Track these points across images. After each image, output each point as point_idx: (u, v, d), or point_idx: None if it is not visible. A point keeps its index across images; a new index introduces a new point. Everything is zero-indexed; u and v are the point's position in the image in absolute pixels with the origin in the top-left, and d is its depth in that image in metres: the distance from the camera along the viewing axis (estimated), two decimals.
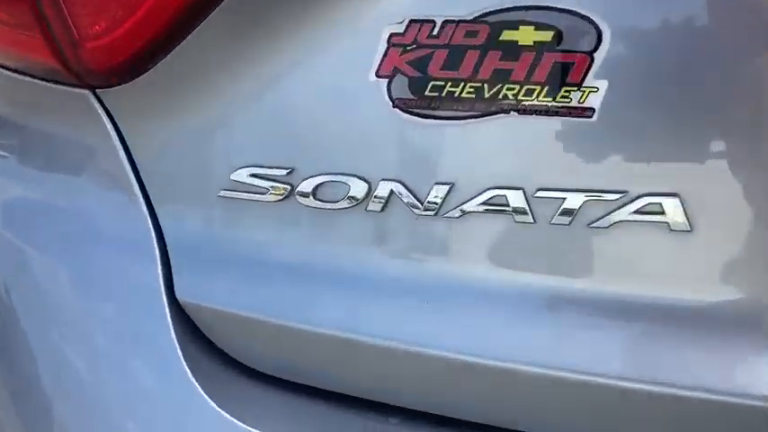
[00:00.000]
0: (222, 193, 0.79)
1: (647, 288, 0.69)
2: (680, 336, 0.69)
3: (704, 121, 0.63)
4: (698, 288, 0.68)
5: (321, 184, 0.74)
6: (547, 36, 0.64)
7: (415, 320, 0.75)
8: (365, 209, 0.74)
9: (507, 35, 0.65)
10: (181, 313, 0.84)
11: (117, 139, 0.82)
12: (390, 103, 0.69)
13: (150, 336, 0.84)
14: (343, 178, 0.73)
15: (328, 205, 0.75)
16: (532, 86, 0.65)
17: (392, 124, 0.69)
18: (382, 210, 0.73)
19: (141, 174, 0.84)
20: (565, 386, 0.69)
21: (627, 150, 0.66)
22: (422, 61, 0.67)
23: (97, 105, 0.80)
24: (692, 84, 0.63)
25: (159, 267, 0.85)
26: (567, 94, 0.65)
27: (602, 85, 0.64)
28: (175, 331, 0.83)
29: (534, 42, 0.64)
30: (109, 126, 0.81)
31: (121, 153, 0.83)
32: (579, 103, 0.65)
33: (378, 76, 0.68)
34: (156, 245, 0.85)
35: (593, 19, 0.63)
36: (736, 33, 0.62)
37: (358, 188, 0.73)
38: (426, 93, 0.68)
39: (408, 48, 0.67)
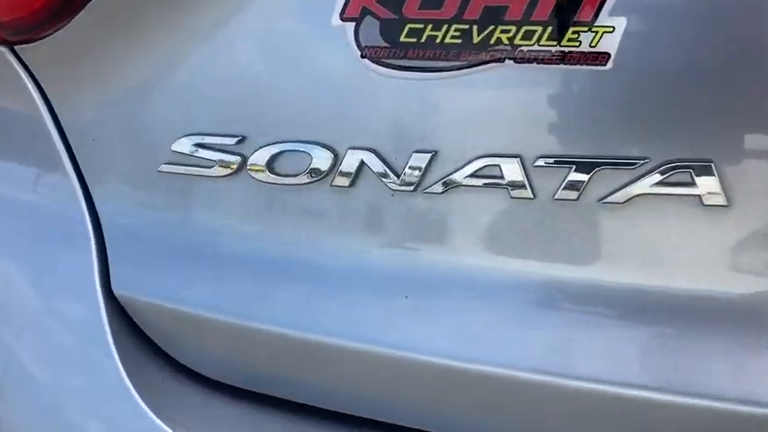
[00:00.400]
0: (162, 167, 0.65)
1: (674, 280, 0.54)
2: (711, 337, 0.54)
3: (747, 71, 0.48)
4: (736, 279, 0.53)
5: (277, 154, 0.61)
6: None
7: (392, 319, 0.60)
8: (330, 184, 0.60)
9: None
10: (118, 308, 0.69)
11: (44, 106, 0.68)
12: (358, 53, 0.55)
13: (84, 333, 0.70)
14: (304, 147, 0.59)
15: (287, 180, 0.61)
16: (532, 27, 0.52)
17: (361, 79, 0.56)
18: (351, 185, 0.59)
19: (73, 148, 0.69)
20: (574, 398, 0.55)
21: (649, 108, 0.51)
22: (393, 1, 0.52)
23: (16, 63, 0.66)
24: (733, 24, 0.48)
25: (95, 257, 0.70)
26: (575, 36, 0.51)
27: (620, 23, 0.50)
28: (111, 329, 0.69)
29: None
30: (32, 89, 0.67)
31: (49, 123, 0.69)
32: (591, 46, 0.51)
33: (342, 19, 0.55)
34: (91, 231, 0.71)
35: None
36: None
37: (321, 159, 0.59)
38: (402, 38, 0.54)
39: None
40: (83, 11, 0.60)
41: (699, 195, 0.53)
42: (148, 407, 0.66)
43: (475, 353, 0.58)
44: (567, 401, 0.56)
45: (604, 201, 0.54)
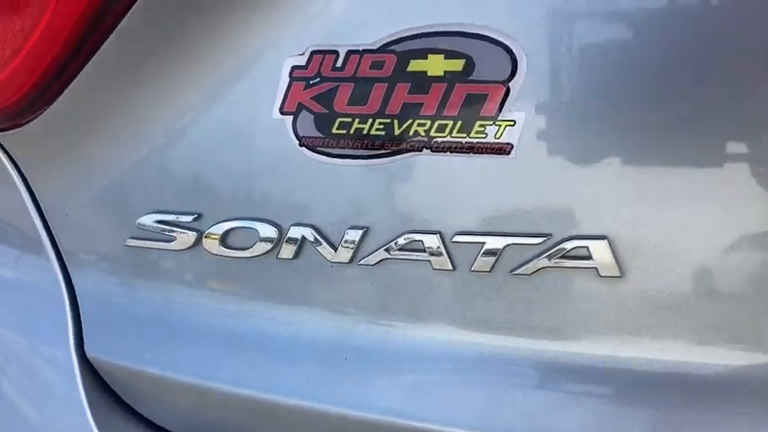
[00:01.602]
0: (129, 242, 0.69)
1: (577, 344, 0.58)
2: (619, 400, 0.58)
3: (634, 156, 0.53)
4: (632, 341, 0.57)
5: (229, 230, 0.65)
6: (457, 65, 0.55)
7: (331, 378, 0.64)
8: (276, 257, 0.63)
9: (415, 65, 0.55)
10: (90, 369, 0.73)
11: (22, 185, 0.72)
12: (297, 142, 0.59)
13: (59, 394, 0.74)
14: (252, 224, 0.64)
15: (238, 253, 0.65)
16: (445, 121, 0.56)
17: (300, 164, 0.60)
18: (294, 257, 0.64)
19: (52, 227, 0.74)
20: None
21: (549, 190, 0.56)
22: (327, 96, 0.58)
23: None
24: (619, 116, 0.53)
25: (70, 323, 0.74)
26: (481, 128, 0.55)
27: (520, 117, 0.54)
28: (84, 389, 0.72)
29: (445, 72, 0.55)
30: (12, 171, 0.71)
31: (29, 202, 0.73)
32: (495, 138, 0.55)
33: (282, 112, 0.59)
34: (67, 301, 0.74)
35: (507, 44, 0.53)
36: (667, 55, 0.52)
37: (268, 234, 0.63)
38: (334, 130, 0.58)
39: (312, 81, 0.58)
40: (55, 102, 0.65)
41: (595, 267, 0.57)
42: None
43: (407, 410, 0.62)
44: None
45: (514, 272, 0.59)
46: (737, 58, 0.51)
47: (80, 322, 0.74)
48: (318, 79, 0.58)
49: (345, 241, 0.62)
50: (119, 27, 0.59)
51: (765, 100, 0.51)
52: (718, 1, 0.50)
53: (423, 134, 0.57)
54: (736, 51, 0.50)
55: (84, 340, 0.74)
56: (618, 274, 0.56)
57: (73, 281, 0.74)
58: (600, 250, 0.56)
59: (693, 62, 0.51)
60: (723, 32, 0.50)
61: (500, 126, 0.55)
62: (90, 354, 0.73)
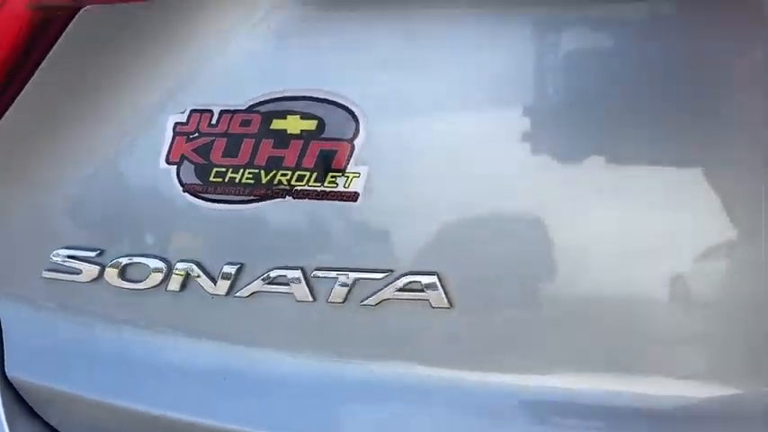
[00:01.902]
0: (45, 273, 0.77)
1: (420, 368, 0.67)
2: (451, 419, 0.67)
3: (459, 203, 0.63)
4: (464, 365, 0.66)
5: (127, 264, 0.73)
6: (311, 125, 0.64)
7: (206, 396, 0.72)
8: (166, 289, 0.72)
9: (277, 124, 0.65)
10: (11, 388, 0.81)
11: None
12: (181, 188, 0.68)
13: None
14: (145, 259, 0.72)
15: (134, 285, 0.74)
16: (303, 172, 0.65)
17: (183, 208, 0.69)
18: (180, 290, 0.72)
19: None
20: None
21: (389, 231, 0.65)
22: (204, 149, 0.67)
23: None
24: (447, 168, 0.63)
25: None
26: (333, 179, 0.65)
27: (364, 170, 0.64)
28: (3, 404, 0.80)
29: (301, 131, 0.65)
30: None
31: None
32: (344, 187, 0.64)
33: (167, 162, 0.68)
34: None
35: (351, 108, 0.63)
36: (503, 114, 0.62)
37: (158, 269, 0.72)
38: (211, 178, 0.68)
39: (192, 136, 0.67)
40: None
41: (428, 300, 0.66)
42: None
43: (272, 425, 0.70)
44: None
45: (363, 303, 0.67)
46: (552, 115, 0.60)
47: (2, 345, 0.82)
48: (197, 134, 0.68)
49: (223, 275, 0.70)
50: (32, 80, 0.68)
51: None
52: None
53: (285, 183, 0.66)
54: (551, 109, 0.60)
55: (6, 362, 0.81)
56: (447, 305, 0.65)
57: None
58: (431, 284, 0.65)
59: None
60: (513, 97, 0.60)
61: (348, 177, 0.65)
62: (10, 374, 0.81)
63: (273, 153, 0.66)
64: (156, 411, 0.74)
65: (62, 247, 0.76)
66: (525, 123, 0.60)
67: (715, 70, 0.58)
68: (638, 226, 0.61)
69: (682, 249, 0.61)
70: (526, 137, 0.60)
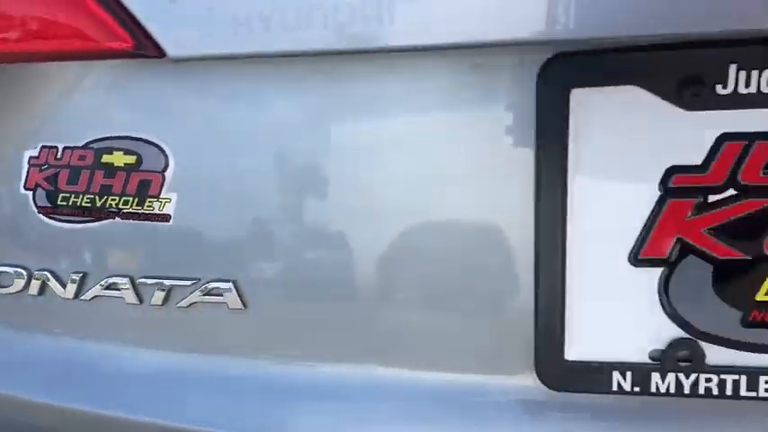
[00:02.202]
0: None
1: (220, 357, 0.82)
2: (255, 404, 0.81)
3: (247, 223, 0.77)
4: (256, 355, 0.81)
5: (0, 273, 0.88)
6: (132, 159, 0.80)
7: (67, 387, 0.87)
8: (27, 293, 0.87)
9: (106, 158, 0.80)
10: None
11: None
12: (36, 210, 0.84)
13: None
14: (11, 268, 0.87)
15: (5, 290, 0.89)
16: (127, 198, 0.81)
17: (39, 226, 0.84)
18: (39, 294, 0.87)
19: None
20: None
21: (195, 246, 0.80)
22: (53, 178, 0.83)
23: None
24: (237, 194, 0.78)
25: None
26: (150, 203, 0.80)
27: (173, 196, 0.79)
28: None
29: (125, 164, 0.80)
30: None
31: None
32: (159, 210, 0.79)
33: (25, 189, 0.84)
34: None
35: (162, 146, 0.78)
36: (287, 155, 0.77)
37: (20, 275, 0.87)
38: (59, 202, 0.83)
39: (43, 167, 0.83)
40: None
41: (226, 302, 0.81)
42: None
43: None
44: None
45: (177, 305, 0.83)
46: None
47: None
48: (47, 166, 0.83)
49: (71, 281, 0.85)
50: None
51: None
52: None
53: (114, 206, 0.82)
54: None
55: None
56: (242, 306, 0.80)
57: None
58: (228, 289, 0.80)
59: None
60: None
61: (162, 202, 0.80)
62: None
63: (104, 182, 0.81)
64: (32, 399, 0.89)
65: None
66: (288, 160, 0.75)
67: None
68: (391, 239, 0.76)
69: (423, 257, 0.75)
70: (289, 173, 0.75)
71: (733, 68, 0.62)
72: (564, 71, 0.65)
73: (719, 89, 0.62)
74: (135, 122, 0.78)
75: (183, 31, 0.65)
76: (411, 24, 0.62)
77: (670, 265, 0.67)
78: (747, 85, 0.62)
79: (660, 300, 0.68)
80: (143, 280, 0.82)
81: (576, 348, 0.70)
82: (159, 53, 0.66)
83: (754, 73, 0.61)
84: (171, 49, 0.66)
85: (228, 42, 0.64)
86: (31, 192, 0.83)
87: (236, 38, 0.63)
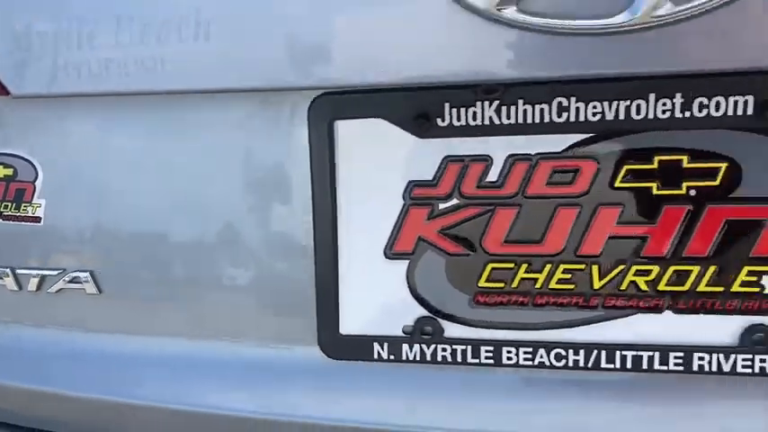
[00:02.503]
0: None
1: (86, 334, 1.01)
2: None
3: (101, 224, 0.96)
4: (111, 330, 0.99)
5: None
6: (10, 172, 0.98)
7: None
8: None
9: None
10: None
11: None
12: None
13: None
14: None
15: None
16: (7, 203, 0.99)
17: None
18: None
19: None
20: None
21: (61, 243, 0.99)
22: None
23: None
24: (93, 202, 0.97)
25: None
26: (25, 208, 0.98)
27: (43, 202, 0.97)
28: None
29: (5, 175, 0.99)
30: None
31: None
32: (32, 213, 0.98)
33: None
34: None
35: (32, 161, 0.97)
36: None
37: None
38: None
39: None
40: None
41: (84, 289, 1.00)
42: None
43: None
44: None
45: (48, 291, 1.01)
46: None
47: None
48: None
49: None
50: None
51: None
52: None
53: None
54: None
55: None
56: (97, 292, 0.99)
57: None
58: (86, 279, 0.99)
59: None
60: None
61: (34, 207, 0.99)
62: None
63: None
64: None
65: None
66: (121, 174, 0.94)
67: None
68: (207, 238, 0.94)
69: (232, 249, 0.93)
70: (123, 185, 0.94)
71: (447, 107, 0.80)
72: (328, 106, 0.83)
73: (439, 122, 0.81)
74: (10, 142, 0.96)
75: (22, 75, 0.84)
76: (193, 71, 0.81)
77: (414, 258, 0.85)
78: (459, 119, 0.80)
79: (408, 285, 0.86)
80: (21, 271, 1.00)
81: (348, 325, 0.89)
82: (5, 92, 0.84)
83: (462, 110, 0.80)
84: (13, 89, 0.84)
85: (55, 84, 0.83)
86: None
87: (58, 81, 0.82)
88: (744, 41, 0.65)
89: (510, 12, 0.65)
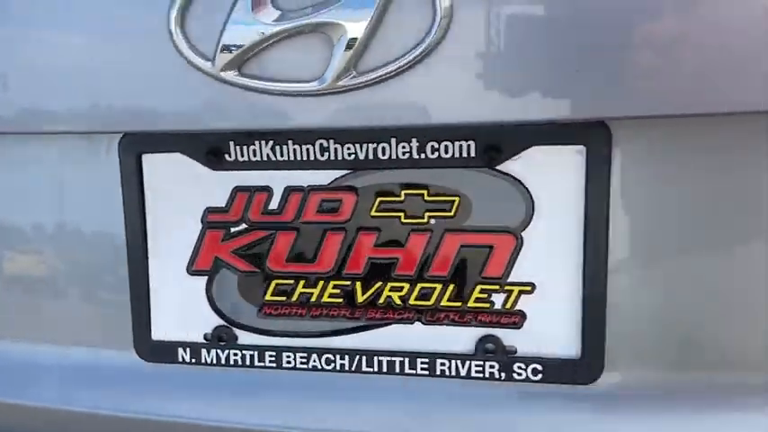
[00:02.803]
0: None
1: None
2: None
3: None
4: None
5: None
6: None
7: None
8: None
9: None
10: None
11: None
12: None
13: None
14: None
15: None
16: None
17: None
18: None
19: None
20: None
21: None
22: None
23: None
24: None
25: None
26: None
27: None
28: None
29: None
30: None
31: None
32: None
33: None
34: None
35: None
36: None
37: None
38: None
39: None
40: None
41: None
42: None
43: None
44: None
45: None
46: None
47: None
48: None
49: None
50: None
51: None
52: None
53: None
54: None
55: None
56: None
57: None
58: None
59: None
60: None
61: None
62: None
63: None
64: None
65: None
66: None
67: None
68: (39, 254, 1.07)
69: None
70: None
71: (232, 144, 0.93)
72: (136, 142, 0.96)
73: (227, 157, 0.94)
74: None
75: None
76: (9, 117, 0.93)
77: (212, 275, 0.98)
78: (242, 155, 0.93)
79: (207, 298, 0.98)
80: None
81: (158, 332, 1.01)
82: None
83: (245, 148, 0.93)
84: None
85: None
86: None
87: None
88: (424, 101, 0.78)
89: (230, 75, 0.78)
